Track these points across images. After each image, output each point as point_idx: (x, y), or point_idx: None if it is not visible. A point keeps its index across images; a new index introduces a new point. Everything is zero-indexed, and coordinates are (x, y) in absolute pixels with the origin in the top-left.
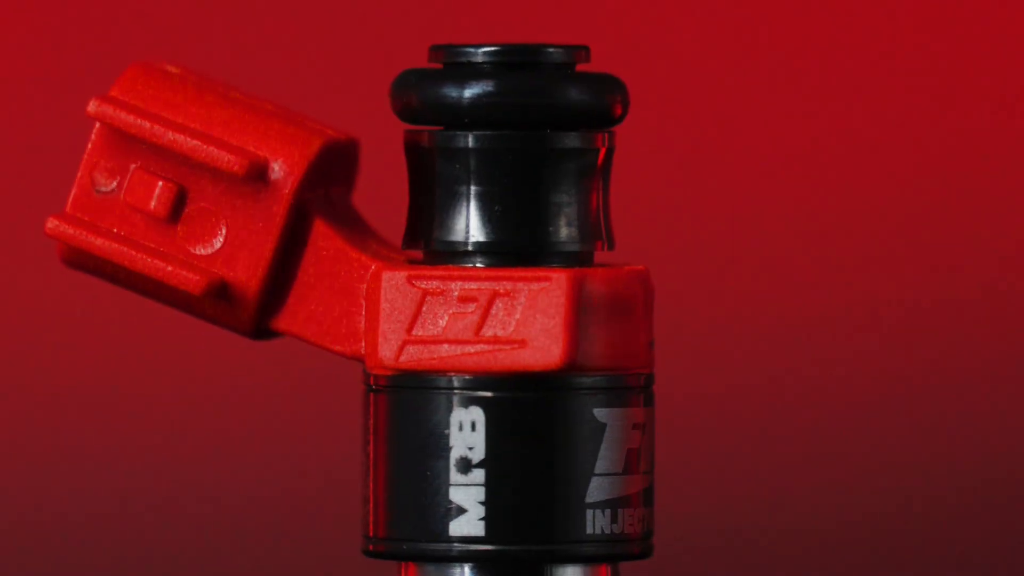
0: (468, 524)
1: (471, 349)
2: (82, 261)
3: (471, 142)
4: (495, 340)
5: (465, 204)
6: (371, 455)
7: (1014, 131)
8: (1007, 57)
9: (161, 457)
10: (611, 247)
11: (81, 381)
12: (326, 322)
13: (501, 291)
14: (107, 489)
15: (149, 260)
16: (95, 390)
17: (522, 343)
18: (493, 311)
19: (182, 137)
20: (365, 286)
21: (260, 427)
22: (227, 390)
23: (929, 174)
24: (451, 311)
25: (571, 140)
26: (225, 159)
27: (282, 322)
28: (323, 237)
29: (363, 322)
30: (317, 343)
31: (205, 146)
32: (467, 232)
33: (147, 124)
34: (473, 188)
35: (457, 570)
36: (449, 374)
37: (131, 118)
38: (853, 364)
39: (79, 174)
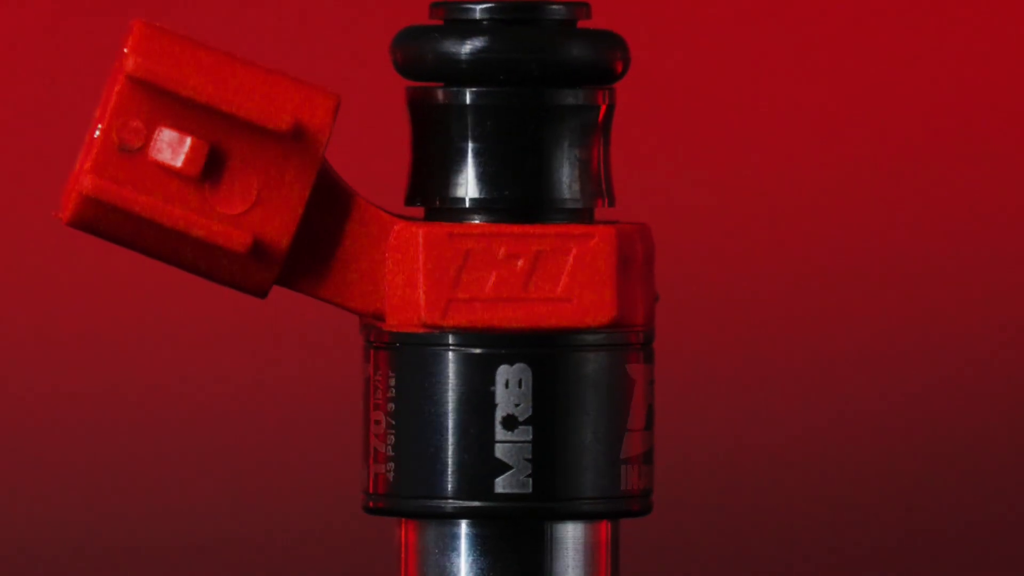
0: (514, 481)
1: (518, 306)
2: (99, 222)
3: (471, 99)
4: (542, 297)
5: (467, 161)
6: (395, 413)
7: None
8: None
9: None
10: (612, 204)
11: (75, 343)
12: (344, 280)
13: (546, 248)
14: (95, 455)
15: (193, 219)
16: (88, 355)
17: (569, 300)
18: (539, 268)
19: (228, 94)
20: (389, 243)
21: (253, 382)
22: (221, 347)
23: (937, 123)
24: (496, 268)
25: (573, 97)
26: (270, 116)
27: (299, 281)
28: (342, 195)
29: (387, 279)
30: (333, 301)
31: (249, 104)
32: (468, 189)
33: (193, 82)
34: (474, 145)
35: (456, 528)
36: (496, 331)
37: (177, 76)
38: (853, 314)
39: (102, 133)
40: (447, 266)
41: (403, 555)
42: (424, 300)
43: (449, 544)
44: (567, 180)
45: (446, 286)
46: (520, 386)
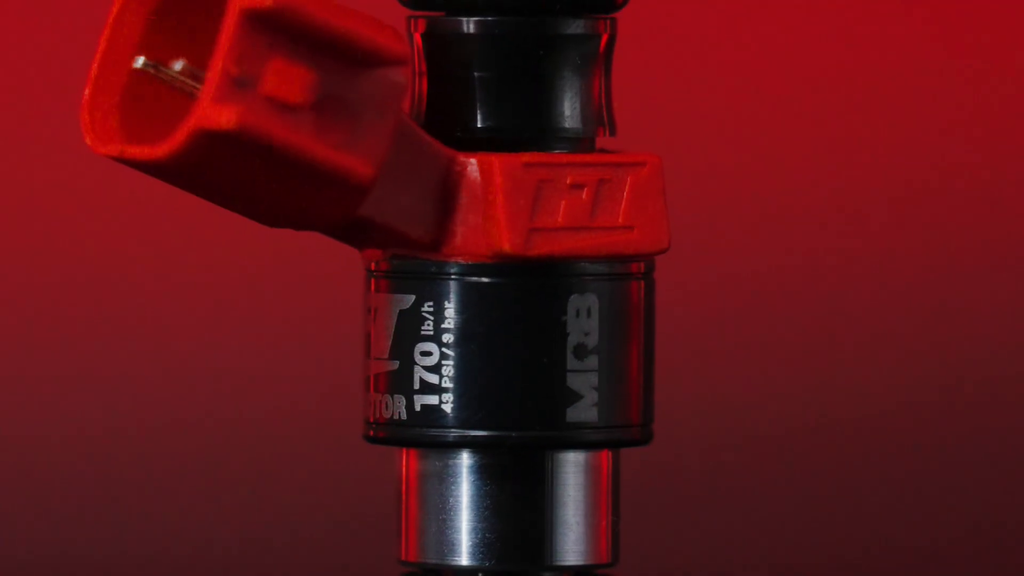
0: (584, 410)
1: (588, 235)
2: (208, 160)
3: (472, 28)
4: (607, 225)
5: (468, 91)
6: (453, 344)
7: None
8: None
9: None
10: (612, 133)
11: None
12: (406, 210)
13: (607, 176)
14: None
15: (324, 152)
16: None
17: (632, 227)
18: (601, 197)
19: (351, 28)
20: (454, 172)
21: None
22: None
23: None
24: (565, 198)
25: (575, 26)
26: (386, 49)
27: (366, 211)
28: (407, 127)
29: (450, 209)
30: (396, 230)
31: (369, 36)
32: (469, 119)
33: (319, 15)
34: (477, 74)
35: (457, 459)
36: (570, 260)
37: (308, 10)
38: (856, 252)
39: (219, 65)
40: (526, 196)
41: (404, 485)
42: (506, 230)
43: (451, 472)
44: (569, 109)
45: (525, 216)
46: (589, 315)
